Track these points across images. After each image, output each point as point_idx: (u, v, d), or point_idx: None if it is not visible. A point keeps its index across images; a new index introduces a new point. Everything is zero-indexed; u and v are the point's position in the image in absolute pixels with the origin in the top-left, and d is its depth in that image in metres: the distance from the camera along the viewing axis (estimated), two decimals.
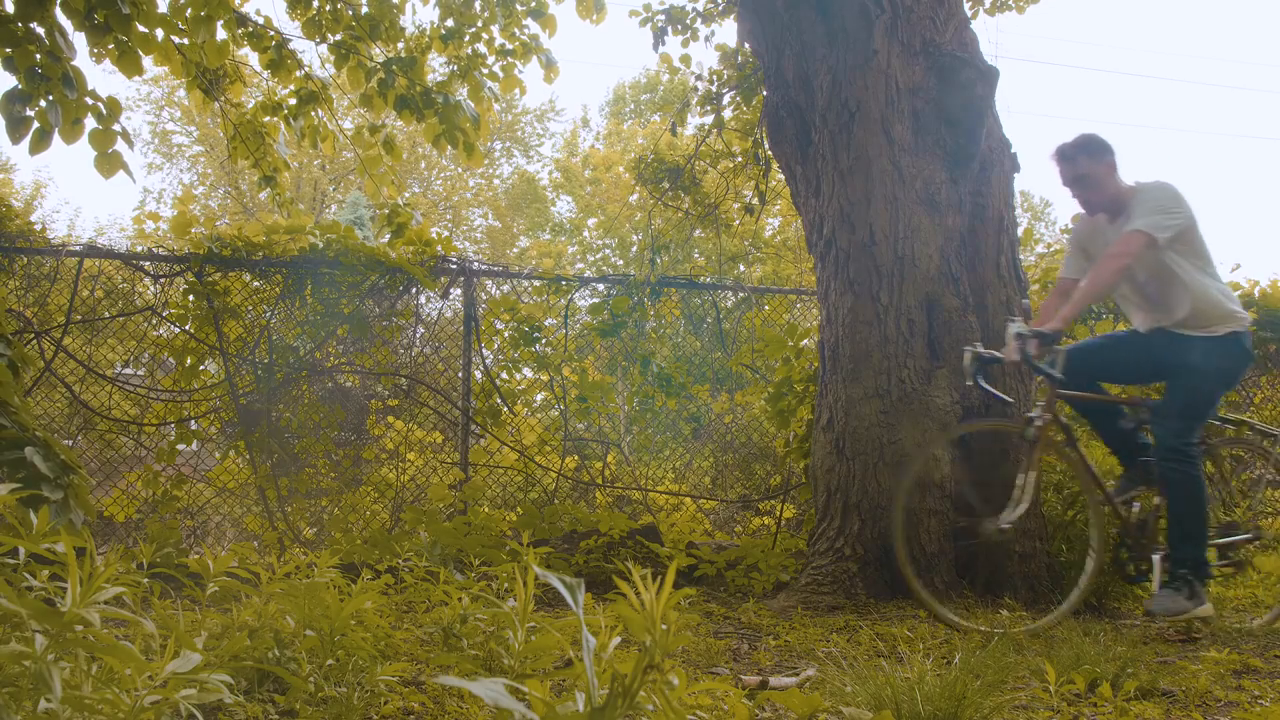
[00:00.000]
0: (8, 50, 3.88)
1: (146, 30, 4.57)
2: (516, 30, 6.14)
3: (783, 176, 5.48)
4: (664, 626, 1.20)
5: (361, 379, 5.90)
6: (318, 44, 5.84)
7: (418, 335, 6.03)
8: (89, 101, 4.13)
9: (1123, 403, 3.95)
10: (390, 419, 5.92)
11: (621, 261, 24.32)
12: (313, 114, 6.05)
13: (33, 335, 5.28)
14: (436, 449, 5.97)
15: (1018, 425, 3.72)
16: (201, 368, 5.52)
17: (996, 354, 3.69)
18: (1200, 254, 3.73)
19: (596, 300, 6.03)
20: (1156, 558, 3.68)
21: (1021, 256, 4.78)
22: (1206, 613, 3.50)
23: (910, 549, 3.73)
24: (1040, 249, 13.58)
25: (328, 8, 5.76)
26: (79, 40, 4.13)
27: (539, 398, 6.35)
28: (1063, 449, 3.79)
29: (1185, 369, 3.71)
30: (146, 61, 4.66)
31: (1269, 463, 4.03)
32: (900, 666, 2.25)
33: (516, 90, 6.38)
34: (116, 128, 4.22)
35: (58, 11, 4.01)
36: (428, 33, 6.15)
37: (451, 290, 5.88)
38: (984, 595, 4.00)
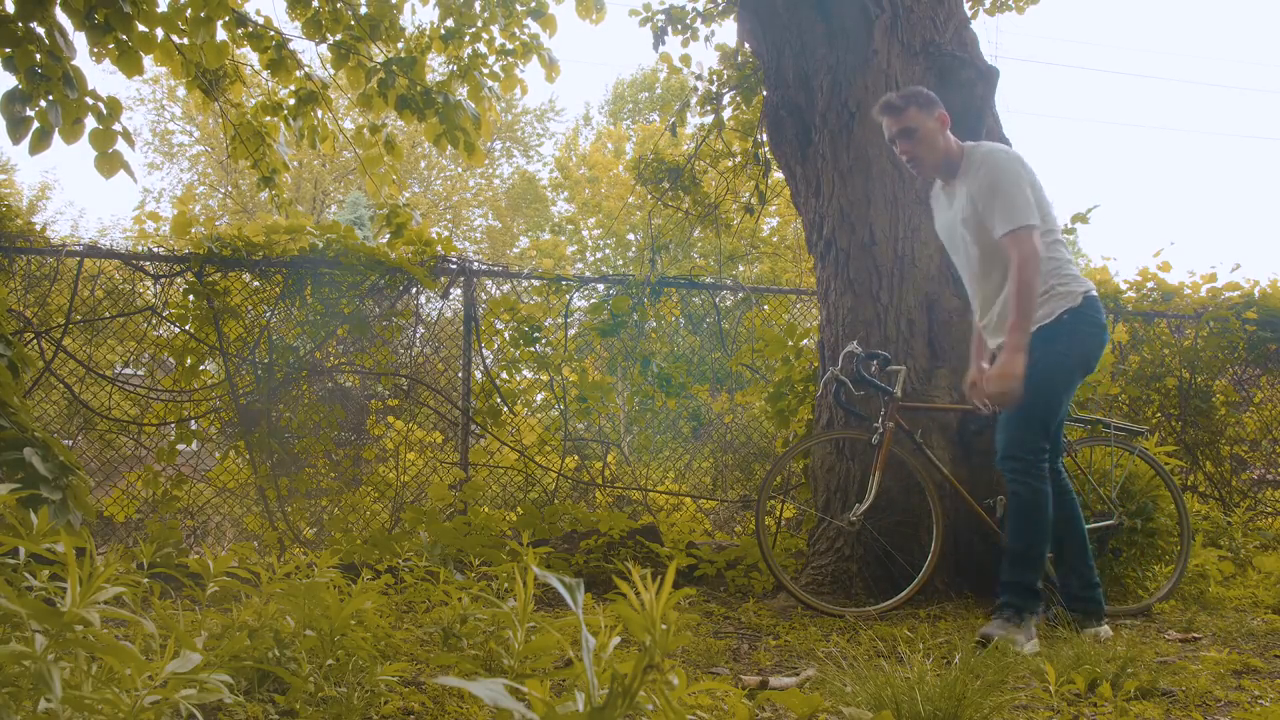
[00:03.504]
0: (8, 50, 3.88)
1: (147, 30, 4.57)
2: (517, 30, 6.14)
3: (782, 176, 5.48)
4: (664, 626, 1.20)
5: (361, 379, 5.90)
6: (318, 44, 5.83)
7: (418, 335, 6.03)
8: (89, 101, 4.12)
9: (962, 411, 3.97)
10: (390, 419, 5.91)
11: (621, 261, 24.33)
12: (313, 114, 6.05)
13: (33, 335, 5.28)
14: (436, 449, 5.97)
15: (865, 434, 4.02)
16: (201, 368, 5.52)
17: (842, 378, 4.03)
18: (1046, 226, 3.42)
19: (596, 300, 6.03)
20: None
21: None
22: (1029, 650, 3.03)
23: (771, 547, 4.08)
24: None
25: (328, 8, 5.76)
26: (79, 40, 4.13)
27: (539, 398, 6.35)
28: (906, 454, 4.00)
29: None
30: (147, 61, 4.66)
31: (1132, 455, 4.08)
32: (900, 666, 2.24)
33: (517, 90, 6.38)
34: (117, 127, 4.22)
35: (58, 11, 4.01)
36: (428, 33, 6.15)
37: (451, 290, 5.88)
38: (982, 597, 4.00)
